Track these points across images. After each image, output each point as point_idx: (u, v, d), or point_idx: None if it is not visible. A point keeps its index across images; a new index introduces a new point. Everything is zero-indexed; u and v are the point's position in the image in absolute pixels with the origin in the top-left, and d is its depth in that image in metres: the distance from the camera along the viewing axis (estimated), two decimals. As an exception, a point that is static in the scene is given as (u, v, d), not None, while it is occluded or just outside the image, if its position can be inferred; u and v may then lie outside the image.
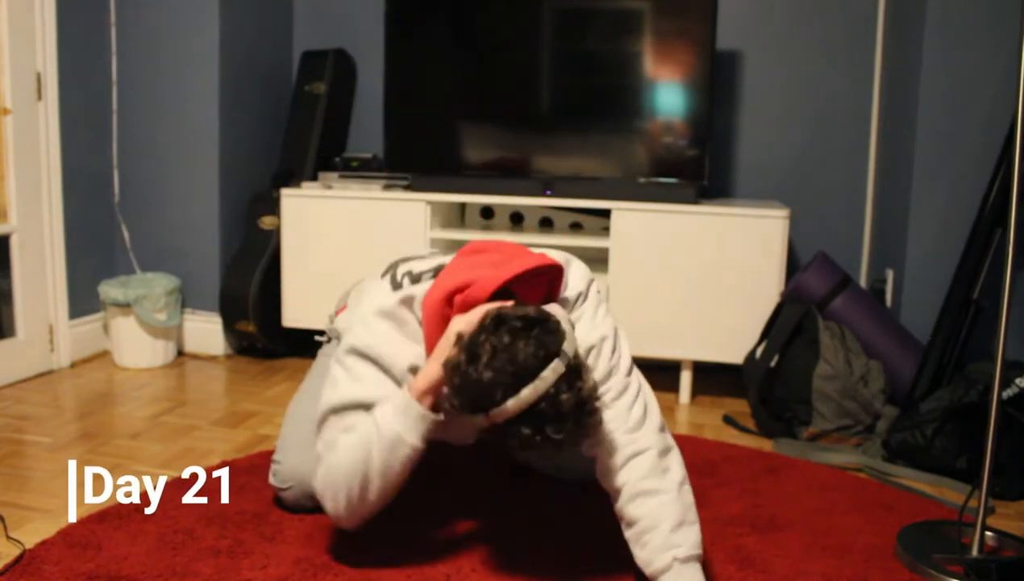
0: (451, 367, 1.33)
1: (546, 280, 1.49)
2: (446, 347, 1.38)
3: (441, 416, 1.43)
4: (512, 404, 1.28)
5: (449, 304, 1.43)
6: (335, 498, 1.46)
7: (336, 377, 1.50)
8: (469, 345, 1.32)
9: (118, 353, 2.87)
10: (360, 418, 1.45)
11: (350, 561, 1.54)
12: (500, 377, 1.28)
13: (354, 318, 1.56)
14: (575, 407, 1.29)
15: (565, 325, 1.35)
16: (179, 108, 2.96)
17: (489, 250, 1.52)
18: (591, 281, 1.57)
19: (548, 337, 1.31)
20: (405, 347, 1.48)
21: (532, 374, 1.28)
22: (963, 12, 2.39)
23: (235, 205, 3.06)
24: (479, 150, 2.75)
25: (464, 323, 1.38)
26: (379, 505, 1.48)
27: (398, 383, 1.47)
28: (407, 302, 1.50)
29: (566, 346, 1.31)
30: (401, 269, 1.61)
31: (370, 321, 1.49)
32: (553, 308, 1.42)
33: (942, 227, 2.48)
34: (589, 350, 1.49)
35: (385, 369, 1.47)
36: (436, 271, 1.56)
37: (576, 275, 1.57)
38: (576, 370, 1.31)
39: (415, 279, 1.56)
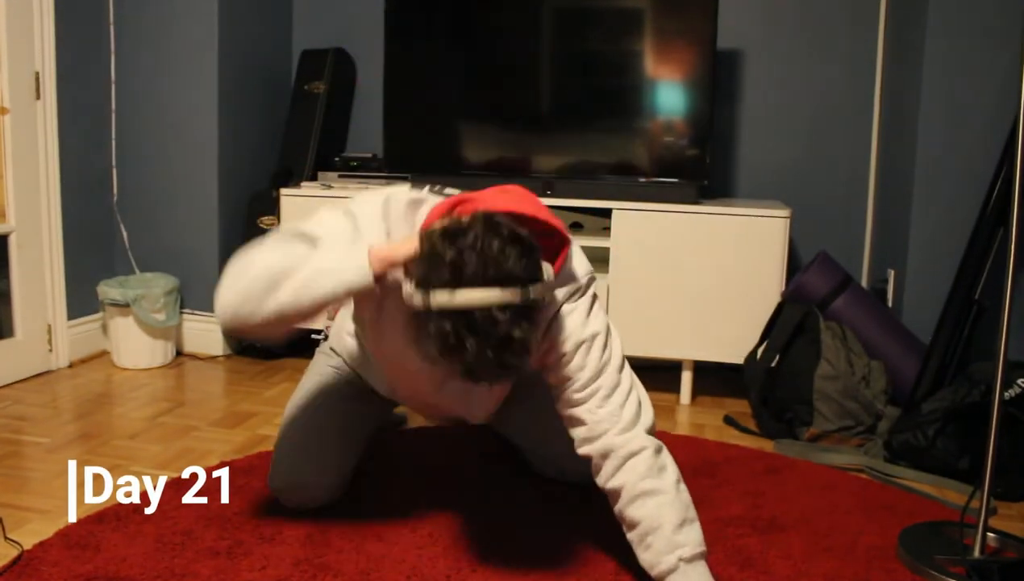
0: (427, 233, 1.28)
1: (551, 244, 1.44)
2: (414, 237, 1.34)
3: (377, 287, 1.37)
4: (456, 295, 1.21)
5: (450, 212, 1.38)
6: (233, 285, 1.37)
7: (313, 218, 1.46)
8: (453, 224, 1.27)
9: (117, 353, 2.86)
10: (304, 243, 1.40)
11: (349, 561, 1.53)
12: (462, 263, 1.22)
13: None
14: (505, 337, 1.22)
15: (548, 275, 1.30)
16: (178, 107, 2.95)
17: (513, 192, 1.47)
18: (591, 278, 1.54)
19: (527, 262, 1.26)
20: (381, 233, 1.44)
21: (489, 280, 1.22)
22: (964, 11, 2.39)
23: (234, 205, 3.05)
24: (479, 150, 2.75)
25: (440, 217, 1.33)
26: (269, 323, 1.38)
27: None
28: (415, 203, 1.47)
29: (534, 288, 1.26)
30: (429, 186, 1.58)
31: (370, 197, 1.46)
32: (546, 267, 1.35)
33: (944, 227, 2.48)
34: (579, 345, 1.45)
35: (356, 229, 1.43)
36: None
37: (579, 265, 1.52)
38: (528, 310, 1.25)
39: (438, 193, 1.53)
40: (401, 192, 1.49)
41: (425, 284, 1.25)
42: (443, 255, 1.24)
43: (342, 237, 1.41)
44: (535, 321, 1.29)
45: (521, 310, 1.24)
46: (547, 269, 1.32)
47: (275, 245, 1.40)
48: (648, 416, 1.48)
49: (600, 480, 1.47)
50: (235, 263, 1.39)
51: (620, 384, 1.47)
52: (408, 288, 1.27)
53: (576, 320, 1.47)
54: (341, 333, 1.82)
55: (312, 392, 1.80)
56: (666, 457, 1.45)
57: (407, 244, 1.33)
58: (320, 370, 1.84)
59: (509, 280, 1.23)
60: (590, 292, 1.53)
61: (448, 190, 1.56)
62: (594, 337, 1.47)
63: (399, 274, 1.35)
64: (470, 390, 1.66)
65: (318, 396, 1.78)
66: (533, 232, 1.32)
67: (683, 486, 1.44)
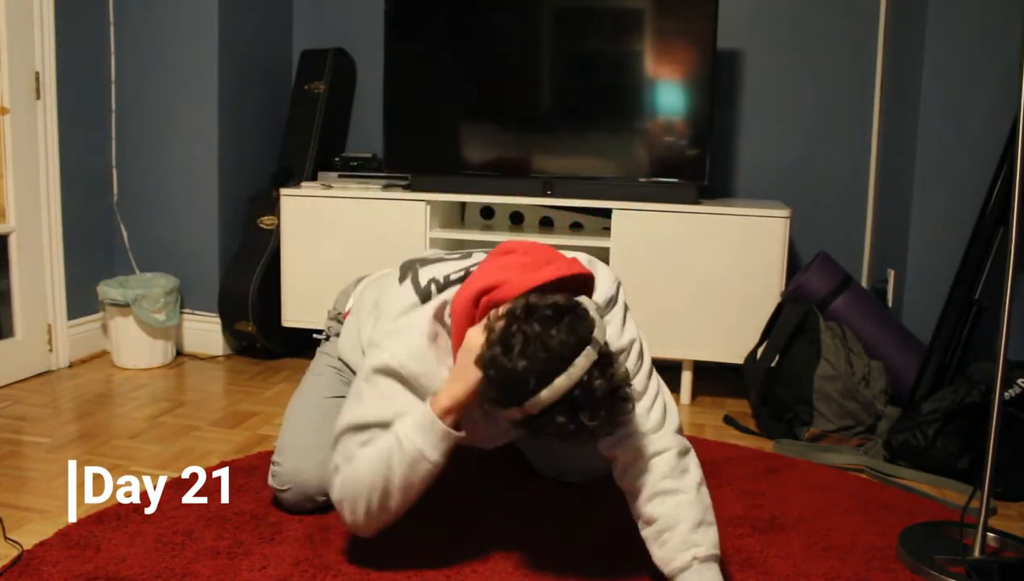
0: (485, 360, 1.32)
1: (575, 287, 1.47)
2: (465, 362, 1.37)
3: (463, 434, 1.43)
4: (547, 393, 1.27)
5: (476, 305, 1.42)
6: (353, 509, 1.44)
7: (361, 393, 1.47)
8: (502, 336, 1.31)
9: (117, 353, 2.87)
10: (379, 433, 1.44)
11: (349, 562, 1.53)
12: (534, 365, 1.27)
13: (379, 331, 1.53)
14: (608, 393, 1.29)
15: (594, 313, 1.35)
16: (178, 107, 2.95)
17: (519, 251, 1.50)
18: (619, 285, 1.57)
19: (579, 324, 1.31)
20: (440, 367, 1.45)
21: (565, 361, 1.28)
22: (964, 11, 2.39)
23: (234, 205, 3.05)
24: (479, 150, 2.75)
25: (476, 333, 1.37)
26: (398, 515, 1.47)
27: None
28: (439, 313, 1.49)
29: (597, 333, 1.31)
30: (423, 274, 1.58)
31: (404, 337, 1.47)
32: (581, 298, 1.40)
33: (944, 227, 2.48)
34: (619, 353, 1.48)
35: (416, 389, 1.45)
36: (465, 274, 1.55)
37: (605, 279, 1.55)
38: (607, 356, 1.32)
39: (442, 286, 1.54)
40: (419, 319, 1.49)
41: (516, 401, 1.30)
42: (515, 370, 1.28)
43: (409, 407, 1.44)
44: (613, 355, 1.34)
45: (602, 360, 1.31)
46: (590, 305, 1.36)
47: (357, 450, 1.44)
48: (674, 418, 1.50)
49: (619, 477, 1.48)
50: (340, 489, 1.45)
51: (649, 389, 1.50)
52: (502, 412, 1.34)
53: (614, 330, 1.51)
54: (357, 349, 1.78)
55: (313, 392, 1.80)
56: (691, 460, 1.47)
57: (462, 380, 1.38)
58: (321, 370, 1.84)
59: (576, 349, 1.29)
60: (621, 300, 1.56)
61: (432, 271, 1.59)
62: (632, 343, 1.51)
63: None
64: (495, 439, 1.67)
65: (317, 396, 1.78)
66: (558, 284, 1.40)
67: (705, 489, 1.45)
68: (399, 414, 1.43)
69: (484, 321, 1.37)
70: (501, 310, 1.36)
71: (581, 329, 1.30)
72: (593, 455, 1.87)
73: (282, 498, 1.72)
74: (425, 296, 1.53)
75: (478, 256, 1.65)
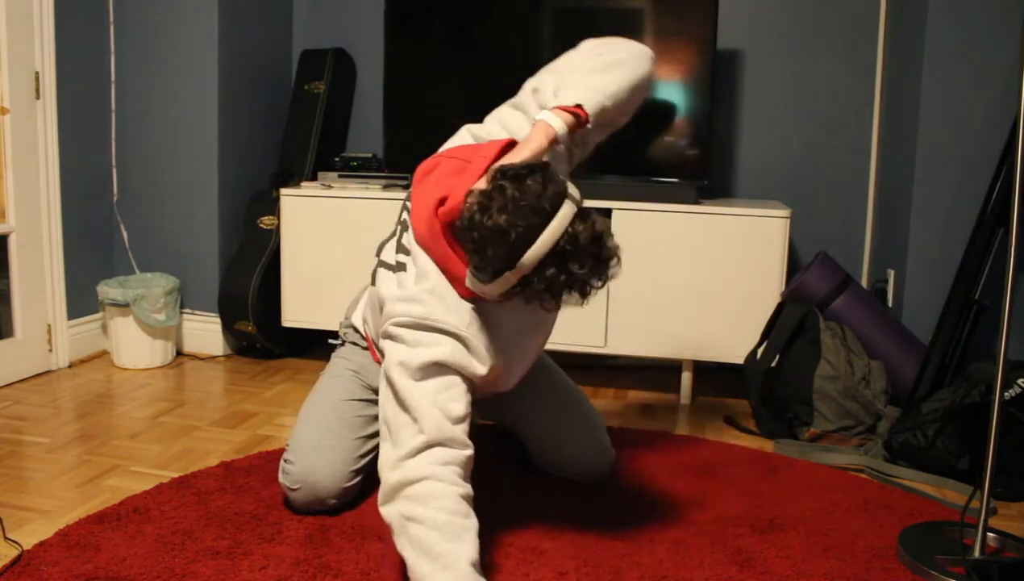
0: (465, 223, 1.34)
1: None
2: (521, 145, 1.44)
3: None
4: (535, 247, 1.30)
5: (437, 218, 1.44)
6: (386, 515, 1.42)
7: (410, 403, 1.44)
8: (480, 199, 1.33)
9: (117, 353, 2.87)
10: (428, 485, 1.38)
11: (350, 561, 1.53)
12: (517, 219, 1.30)
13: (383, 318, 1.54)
14: (592, 240, 1.32)
15: (561, 171, 1.41)
16: (178, 107, 2.95)
17: (441, 163, 1.54)
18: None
19: (552, 178, 1.34)
20: (451, 303, 1.46)
21: (547, 214, 1.31)
22: (964, 11, 2.39)
23: (234, 205, 3.05)
24: (479, 150, 2.74)
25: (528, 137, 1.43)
26: None
27: (463, 342, 1.46)
28: (418, 263, 1.50)
29: (571, 189, 1.35)
30: (384, 259, 1.62)
31: (410, 300, 1.48)
32: (545, 160, 1.44)
33: (944, 227, 2.48)
34: None
35: (451, 334, 1.46)
36: (404, 224, 1.58)
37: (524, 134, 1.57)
38: (585, 210, 1.35)
39: (402, 249, 1.57)
40: (404, 284, 1.51)
41: (503, 266, 1.33)
42: (499, 226, 1.30)
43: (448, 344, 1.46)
44: (589, 211, 1.37)
45: (581, 211, 1.34)
46: (554, 168, 1.40)
47: (418, 530, 1.36)
48: None
49: None
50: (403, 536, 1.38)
51: None
52: (495, 283, 1.35)
53: None
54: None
55: (327, 394, 1.80)
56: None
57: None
58: (337, 372, 1.84)
59: (555, 200, 1.32)
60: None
61: (390, 242, 1.63)
62: None
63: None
64: (525, 349, 1.66)
65: (333, 398, 1.78)
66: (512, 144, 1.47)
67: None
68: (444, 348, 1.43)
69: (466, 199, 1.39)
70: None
71: (556, 183, 1.34)
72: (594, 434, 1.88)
73: (292, 497, 1.71)
74: (399, 266, 1.56)
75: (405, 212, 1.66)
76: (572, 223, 1.32)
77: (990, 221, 2.20)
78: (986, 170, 2.41)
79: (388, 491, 1.40)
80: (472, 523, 1.37)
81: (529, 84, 1.67)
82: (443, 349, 1.43)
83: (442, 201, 1.43)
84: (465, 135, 1.65)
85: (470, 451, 1.45)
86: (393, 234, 1.66)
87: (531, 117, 1.58)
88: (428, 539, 1.32)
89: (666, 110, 2.60)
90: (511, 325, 1.55)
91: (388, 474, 1.40)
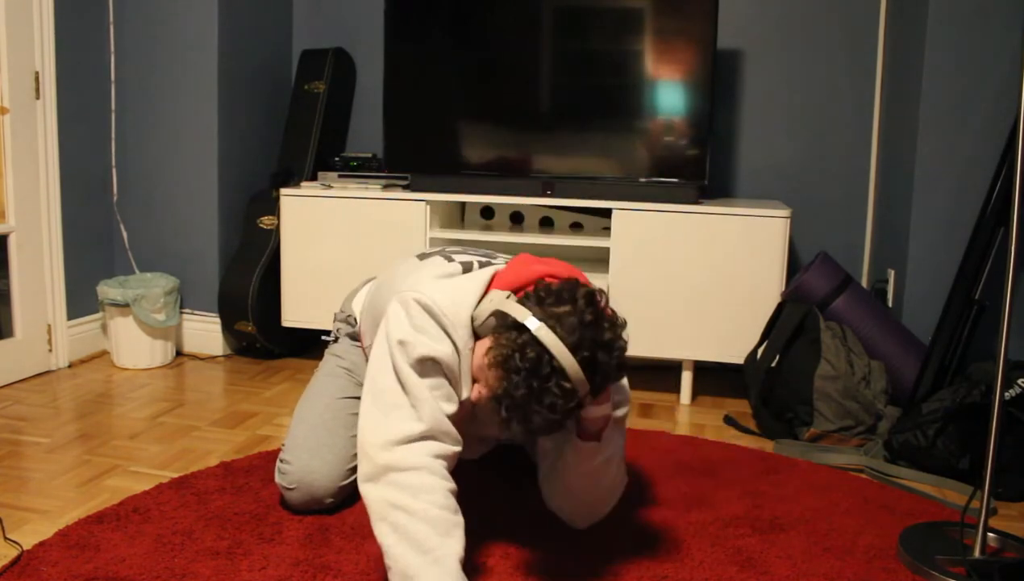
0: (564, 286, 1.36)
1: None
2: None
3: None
4: (560, 346, 1.29)
5: (518, 290, 1.44)
6: (369, 505, 1.41)
7: (408, 387, 1.43)
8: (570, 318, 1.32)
9: (117, 353, 2.86)
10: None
11: (349, 562, 1.53)
12: (583, 319, 1.31)
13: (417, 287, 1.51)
14: (551, 407, 1.30)
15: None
16: (178, 107, 2.95)
17: (546, 261, 1.52)
18: None
19: (616, 382, 1.39)
20: (466, 328, 1.44)
21: (586, 367, 1.31)
22: (965, 11, 2.39)
23: (234, 205, 3.05)
24: (479, 150, 2.74)
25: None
26: None
27: (456, 349, 1.44)
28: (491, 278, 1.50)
29: (621, 325, 1.37)
30: (455, 256, 1.59)
31: (451, 290, 1.47)
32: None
33: (944, 227, 2.47)
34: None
35: (452, 342, 1.44)
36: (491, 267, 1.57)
37: None
38: (576, 404, 1.35)
39: (484, 264, 1.56)
40: (460, 278, 1.50)
41: (536, 309, 1.34)
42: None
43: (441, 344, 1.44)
44: (573, 415, 1.38)
45: (576, 401, 1.33)
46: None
47: (390, 512, 1.37)
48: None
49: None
50: (378, 508, 1.38)
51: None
52: (512, 305, 1.36)
53: None
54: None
55: (323, 393, 1.80)
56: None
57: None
58: (331, 370, 1.84)
59: (588, 377, 1.34)
60: None
61: (462, 256, 1.61)
62: None
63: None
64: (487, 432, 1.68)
65: (328, 397, 1.78)
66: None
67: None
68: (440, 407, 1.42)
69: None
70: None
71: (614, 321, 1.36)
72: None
73: (288, 497, 1.71)
74: (467, 267, 1.54)
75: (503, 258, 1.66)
76: (567, 392, 1.30)
77: (990, 221, 2.20)
78: (986, 170, 2.41)
79: (375, 470, 1.37)
80: (460, 520, 1.37)
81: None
82: (444, 348, 1.43)
83: (535, 282, 1.42)
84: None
85: (459, 448, 1.44)
86: (451, 254, 1.65)
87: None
88: (418, 531, 1.31)
89: (666, 109, 2.60)
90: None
91: (377, 452, 1.38)
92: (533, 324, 1.30)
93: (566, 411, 1.31)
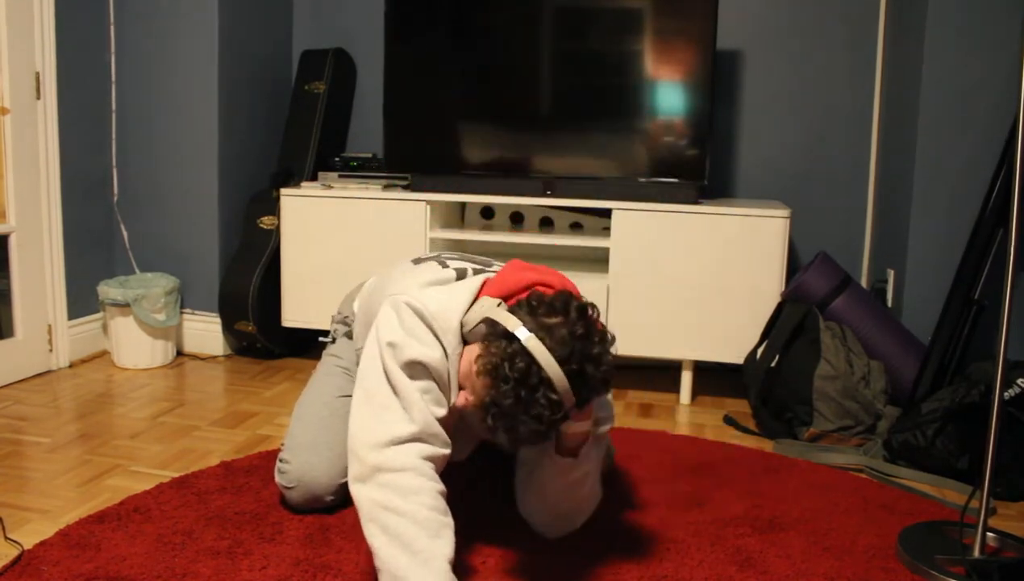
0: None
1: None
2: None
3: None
4: (548, 359, 1.30)
5: (509, 298, 1.44)
6: (359, 505, 1.41)
7: (398, 391, 1.43)
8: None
9: (117, 353, 2.87)
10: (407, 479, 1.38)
11: (349, 562, 1.53)
12: (575, 333, 1.31)
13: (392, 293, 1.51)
14: (538, 419, 1.31)
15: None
16: (178, 107, 2.95)
17: (537, 269, 1.52)
18: None
19: (599, 396, 1.37)
20: (455, 334, 1.44)
21: (574, 377, 1.31)
22: (964, 12, 2.39)
23: (234, 205, 3.06)
24: (479, 150, 2.75)
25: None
26: None
27: (445, 351, 1.44)
28: (483, 285, 1.50)
29: (571, 418, 1.38)
30: (450, 262, 1.60)
31: (444, 294, 1.47)
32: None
33: (943, 227, 2.48)
34: None
35: (441, 347, 1.44)
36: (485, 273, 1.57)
37: None
38: (560, 420, 1.35)
39: (478, 270, 1.56)
40: (454, 284, 1.50)
41: (527, 320, 1.34)
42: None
43: (431, 347, 1.44)
44: (556, 428, 1.38)
45: (561, 412, 1.34)
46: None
47: (380, 515, 1.36)
48: None
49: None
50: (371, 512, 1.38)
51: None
52: (501, 313, 1.36)
53: None
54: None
55: (321, 391, 1.80)
56: None
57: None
58: (329, 370, 1.84)
59: (575, 392, 1.34)
60: None
61: (454, 262, 1.61)
62: None
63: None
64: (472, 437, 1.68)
65: (327, 395, 1.79)
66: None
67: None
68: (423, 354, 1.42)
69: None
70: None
71: (594, 393, 1.35)
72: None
73: (288, 496, 1.71)
74: (461, 273, 1.54)
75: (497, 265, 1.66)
76: (558, 403, 1.30)
77: (990, 221, 2.20)
78: (986, 170, 2.41)
79: (365, 471, 1.37)
80: (450, 521, 1.37)
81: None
82: (434, 353, 1.42)
83: (528, 289, 1.42)
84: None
85: (448, 451, 1.44)
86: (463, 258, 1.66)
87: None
88: (407, 533, 1.31)
89: (666, 110, 2.60)
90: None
91: (367, 453, 1.38)
92: (523, 334, 1.31)
93: (551, 422, 1.31)
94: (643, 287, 2.58)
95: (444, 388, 1.45)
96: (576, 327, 1.31)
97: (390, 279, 1.61)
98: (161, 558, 1.52)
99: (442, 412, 1.44)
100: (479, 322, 1.40)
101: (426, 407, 1.41)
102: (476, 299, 1.47)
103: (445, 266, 1.56)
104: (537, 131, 2.70)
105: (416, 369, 1.42)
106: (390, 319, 1.45)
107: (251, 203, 3.04)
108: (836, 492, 1.92)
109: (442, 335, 1.43)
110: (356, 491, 1.38)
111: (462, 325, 1.44)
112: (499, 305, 1.40)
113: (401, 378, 1.41)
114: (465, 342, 1.45)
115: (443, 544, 1.32)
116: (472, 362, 1.37)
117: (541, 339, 1.30)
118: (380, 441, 1.38)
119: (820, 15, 2.90)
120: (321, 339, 2.04)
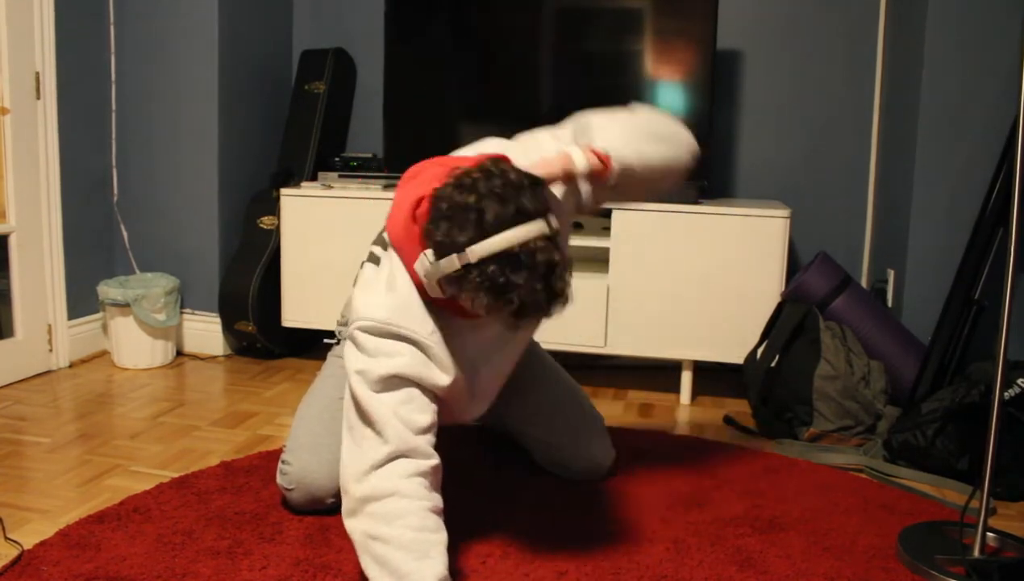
0: (439, 193, 1.30)
1: None
2: (543, 162, 1.40)
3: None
4: (491, 242, 1.25)
5: (414, 220, 1.38)
6: (344, 504, 1.42)
7: (374, 417, 1.41)
8: (464, 176, 1.29)
9: (117, 353, 2.87)
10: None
11: (349, 561, 1.53)
12: (491, 204, 1.26)
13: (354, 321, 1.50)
14: (548, 265, 1.27)
15: (554, 198, 1.38)
16: (178, 107, 2.95)
17: (428, 168, 1.47)
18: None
19: (540, 193, 1.30)
20: (415, 309, 1.42)
21: (519, 214, 1.26)
22: (964, 11, 2.39)
23: (234, 205, 3.06)
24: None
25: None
26: None
27: (426, 353, 1.43)
28: (391, 258, 1.48)
29: (551, 218, 1.31)
30: (373, 247, 1.60)
31: (373, 304, 1.44)
32: (550, 191, 1.42)
33: (943, 227, 2.48)
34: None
35: (411, 341, 1.42)
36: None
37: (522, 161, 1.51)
38: (555, 238, 1.30)
39: (381, 241, 1.56)
40: (374, 280, 1.48)
41: (455, 246, 1.27)
42: (463, 208, 1.26)
43: (413, 357, 1.42)
44: (560, 245, 1.32)
45: (553, 237, 1.29)
46: (552, 193, 1.37)
47: (375, 526, 1.36)
48: None
49: None
50: (355, 520, 1.38)
51: None
52: (440, 264, 1.30)
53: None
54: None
55: (323, 393, 1.80)
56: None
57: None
58: (332, 372, 1.84)
59: (535, 211, 1.28)
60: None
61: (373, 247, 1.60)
62: None
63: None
64: (493, 372, 1.63)
65: (328, 397, 1.78)
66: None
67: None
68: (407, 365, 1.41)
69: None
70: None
71: (540, 199, 1.29)
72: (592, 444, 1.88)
73: (289, 497, 1.71)
74: (372, 258, 1.54)
75: None
76: (537, 239, 1.27)
77: (990, 221, 2.20)
78: (986, 170, 2.41)
79: (353, 504, 1.38)
80: (440, 537, 1.36)
81: (574, 119, 1.63)
82: (402, 360, 1.41)
83: (419, 202, 1.39)
84: (480, 144, 1.62)
85: (435, 461, 1.42)
86: (382, 230, 1.65)
87: (559, 146, 1.53)
88: (394, 558, 1.31)
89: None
90: (478, 337, 1.52)
91: (353, 486, 1.38)
92: (473, 256, 1.26)
93: (561, 245, 1.29)
94: (643, 287, 2.58)
95: (430, 380, 1.44)
96: (484, 200, 1.27)
97: (352, 298, 1.59)
98: (161, 558, 1.52)
99: (429, 419, 1.43)
100: (438, 285, 1.34)
101: (400, 424, 1.39)
102: (410, 271, 1.43)
103: (377, 262, 1.54)
104: (537, 131, 2.70)
105: (391, 382, 1.41)
106: (351, 352, 1.45)
107: (251, 203, 3.04)
108: (836, 492, 1.92)
109: (407, 331, 1.42)
110: (349, 526, 1.39)
111: (426, 301, 1.43)
112: (426, 255, 1.33)
113: (372, 402, 1.40)
114: (448, 298, 1.40)
115: (432, 564, 1.32)
116: (464, 306, 1.35)
117: (477, 239, 1.26)
118: (360, 471, 1.38)
119: (820, 15, 2.90)
120: (326, 341, 2.04)
